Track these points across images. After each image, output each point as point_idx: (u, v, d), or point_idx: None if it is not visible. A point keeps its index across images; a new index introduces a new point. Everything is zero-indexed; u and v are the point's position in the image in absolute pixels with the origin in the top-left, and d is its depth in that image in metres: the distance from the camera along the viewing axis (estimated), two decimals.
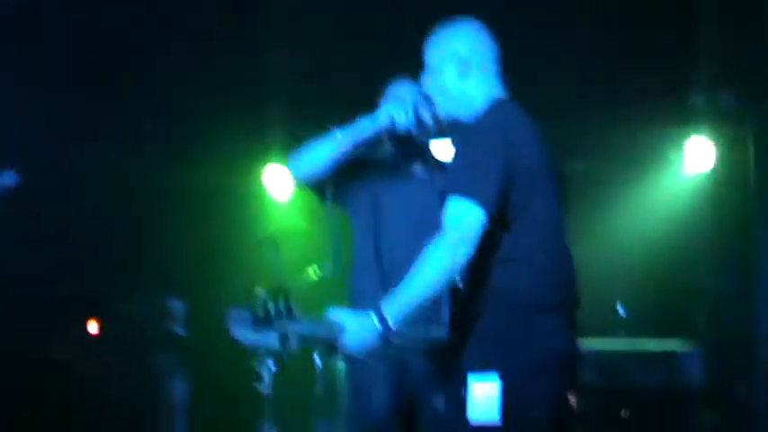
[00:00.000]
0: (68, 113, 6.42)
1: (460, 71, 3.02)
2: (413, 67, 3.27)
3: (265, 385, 6.49)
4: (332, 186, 3.60)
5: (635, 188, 7.09)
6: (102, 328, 7.04)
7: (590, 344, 5.58)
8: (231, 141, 7.18)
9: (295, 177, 3.81)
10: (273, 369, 6.49)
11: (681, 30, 6.08)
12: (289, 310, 2.74)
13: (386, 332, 2.73)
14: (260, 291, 2.74)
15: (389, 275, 3.53)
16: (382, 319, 2.72)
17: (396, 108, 3.54)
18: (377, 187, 3.73)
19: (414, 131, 3.55)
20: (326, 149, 3.59)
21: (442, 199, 2.85)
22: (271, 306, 2.74)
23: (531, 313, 2.81)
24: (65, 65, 6.13)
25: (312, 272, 6.20)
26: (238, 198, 7.71)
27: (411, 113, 3.50)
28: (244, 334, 2.78)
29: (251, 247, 6.57)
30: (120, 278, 7.05)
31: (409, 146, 3.72)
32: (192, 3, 6.11)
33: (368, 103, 3.75)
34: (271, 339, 2.78)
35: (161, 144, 7.02)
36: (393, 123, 3.52)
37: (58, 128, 6.40)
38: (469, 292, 2.88)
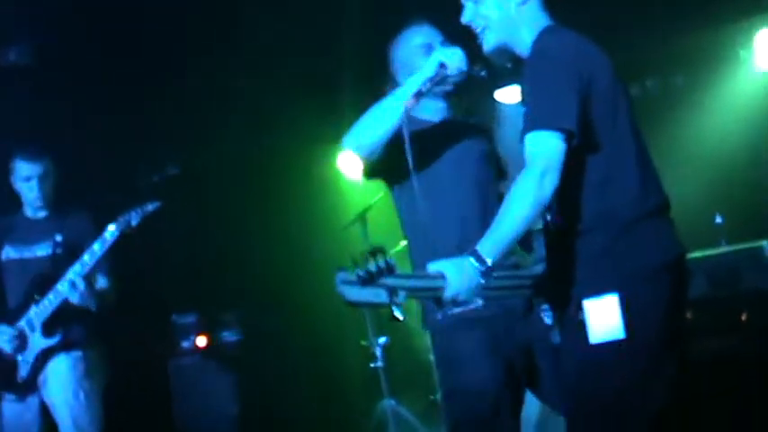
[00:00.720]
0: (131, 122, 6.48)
1: None
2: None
3: (379, 360, 6.57)
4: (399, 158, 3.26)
5: (711, 95, 6.94)
6: (210, 342, 7.14)
7: (693, 256, 5.50)
8: (306, 128, 7.20)
9: (358, 154, 3.52)
10: (384, 343, 6.60)
11: None
12: (390, 267, 2.75)
13: (485, 271, 2.73)
14: (359, 253, 2.76)
15: (442, 228, 3.44)
16: (480, 259, 2.72)
17: (443, 54, 3.37)
18: (428, 149, 3.52)
19: (466, 71, 3.37)
20: (382, 118, 3.40)
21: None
22: (372, 264, 2.76)
23: (634, 225, 2.79)
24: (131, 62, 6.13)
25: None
26: (317, 183, 7.77)
27: (461, 55, 3.35)
28: (353, 293, 2.77)
29: (340, 229, 6.65)
30: (217, 284, 7.13)
31: (452, 95, 3.59)
32: None
33: None
34: (380, 296, 2.78)
35: (237, 136, 7.05)
36: (445, 70, 3.35)
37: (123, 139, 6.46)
38: (565, 221, 2.86)
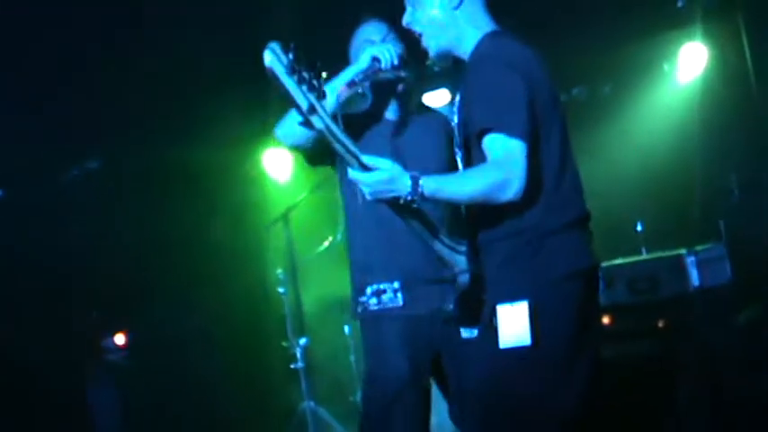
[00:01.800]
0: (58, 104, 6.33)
1: (453, 3, 2.96)
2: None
3: (299, 361, 6.54)
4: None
5: (636, 105, 7.04)
6: (128, 340, 7.03)
7: (614, 263, 5.58)
8: (230, 127, 7.13)
9: (286, 144, 3.65)
10: (305, 345, 6.56)
11: None
12: (321, 92, 2.76)
13: (410, 197, 2.75)
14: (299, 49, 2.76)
15: (393, 229, 3.45)
16: (415, 185, 2.74)
17: (377, 49, 3.49)
18: (360, 142, 3.55)
19: (398, 66, 3.49)
20: None
21: (464, 133, 2.88)
22: (306, 74, 2.75)
23: (551, 235, 2.81)
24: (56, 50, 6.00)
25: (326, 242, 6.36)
26: (240, 183, 7.70)
27: (393, 51, 3.46)
28: (280, 69, 2.75)
29: (263, 228, 6.61)
30: (136, 282, 7.01)
31: (390, 90, 3.67)
32: None
33: None
34: (299, 98, 2.78)
35: (158, 132, 6.95)
36: (378, 64, 3.46)
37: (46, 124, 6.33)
38: (486, 226, 2.88)
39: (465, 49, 2.96)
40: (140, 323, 7.02)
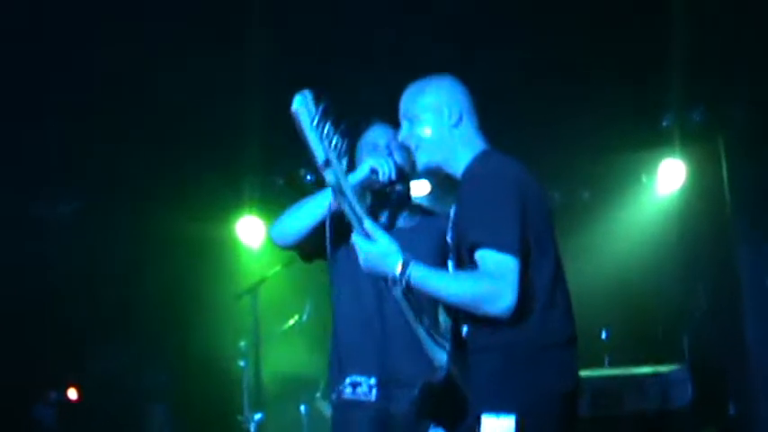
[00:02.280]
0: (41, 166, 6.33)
1: (452, 121, 2.99)
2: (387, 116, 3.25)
3: None
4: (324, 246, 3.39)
5: (612, 215, 7.11)
6: (81, 394, 6.93)
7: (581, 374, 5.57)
8: (204, 194, 7.13)
9: (281, 244, 3.73)
10: (259, 420, 6.48)
11: (648, 52, 5.98)
12: (340, 152, 2.80)
13: (396, 279, 2.76)
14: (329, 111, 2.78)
15: (376, 327, 3.57)
16: (404, 269, 2.75)
17: (377, 159, 3.53)
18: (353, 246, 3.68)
19: (395, 180, 3.54)
20: (310, 212, 3.56)
21: (457, 251, 2.89)
22: (330, 130, 2.77)
23: (543, 351, 2.79)
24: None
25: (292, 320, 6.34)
26: (213, 248, 7.66)
27: (392, 163, 3.51)
28: (305, 119, 2.77)
29: (232, 298, 6.56)
30: (97, 337, 6.93)
31: (386, 198, 3.70)
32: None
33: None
34: (317, 149, 2.80)
35: (135, 197, 6.94)
36: (376, 174, 3.49)
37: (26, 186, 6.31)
38: (475, 333, 2.87)
39: (457, 169, 2.98)
40: (95, 375, 6.94)
